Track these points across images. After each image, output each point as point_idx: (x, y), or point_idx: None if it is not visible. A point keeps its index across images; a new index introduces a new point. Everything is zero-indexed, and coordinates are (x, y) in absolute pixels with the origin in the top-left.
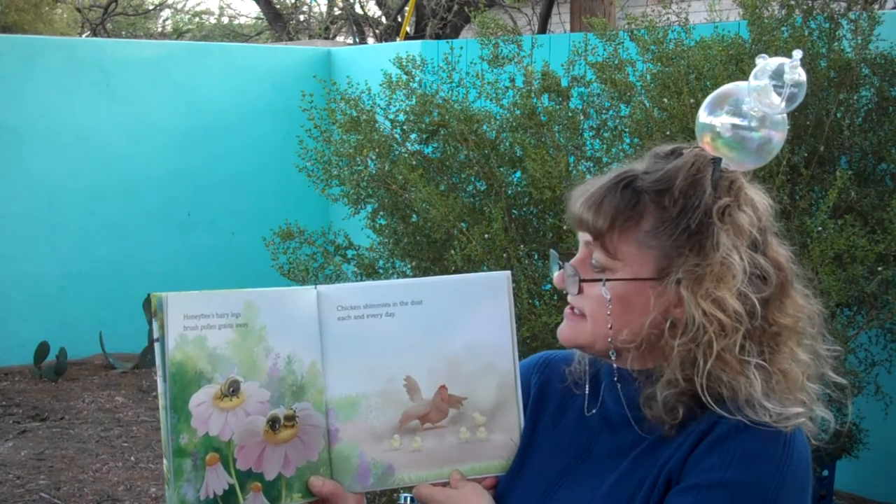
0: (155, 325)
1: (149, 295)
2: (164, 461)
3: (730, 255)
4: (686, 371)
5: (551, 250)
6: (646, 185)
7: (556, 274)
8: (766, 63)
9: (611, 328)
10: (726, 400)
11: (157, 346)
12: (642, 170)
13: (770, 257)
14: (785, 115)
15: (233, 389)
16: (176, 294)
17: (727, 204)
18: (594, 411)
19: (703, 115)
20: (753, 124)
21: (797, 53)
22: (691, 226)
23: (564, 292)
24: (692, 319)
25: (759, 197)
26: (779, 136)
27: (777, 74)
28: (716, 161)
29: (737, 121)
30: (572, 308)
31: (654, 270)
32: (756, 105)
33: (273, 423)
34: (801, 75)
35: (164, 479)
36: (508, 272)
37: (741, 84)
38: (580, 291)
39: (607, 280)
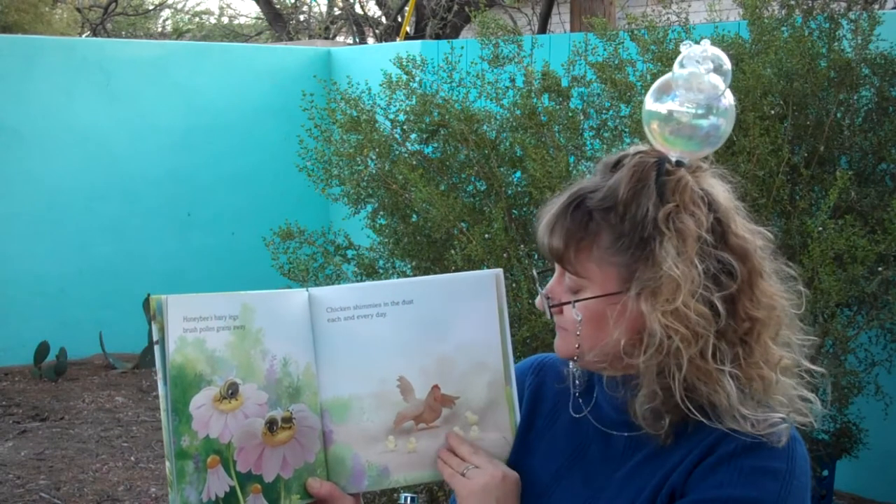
0: (154, 328)
1: (148, 295)
2: (167, 463)
3: (677, 264)
4: (663, 381)
5: (533, 272)
6: (594, 203)
7: (537, 298)
8: (689, 50)
9: (578, 347)
10: (706, 409)
11: (156, 348)
12: (593, 185)
13: (733, 246)
14: (731, 101)
15: (232, 392)
16: (175, 296)
17: (671, 210)
18: (587, 412)
19: (648, 103)
20: (700, 111)
21: (705, 42)
22: (643, 237)
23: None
24: (654, 332)
25: (716, 186)
26: (726, 123)
27: (704, 60)
28: (659, 164)
29: (683, 108)
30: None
31: (618, 285)
32: (690, 95)
33: (271, 425)
34: (725, 63)
35: (168, 482)
36: (499, 270)
37: (686, 70)
38: (557, 313)
39: (576, 301)
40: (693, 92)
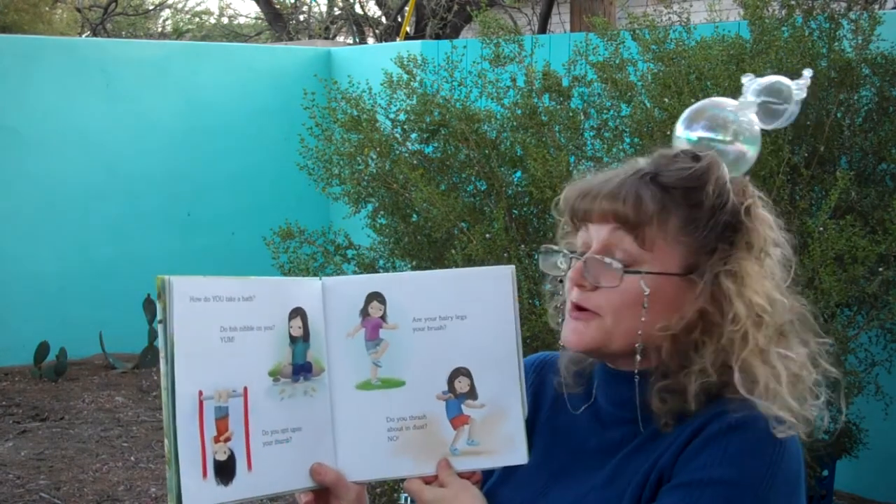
0: (158, 307)
1: (148, 295)
2: (166, 441)
3: (768, 250)
4: (717, 362)
5: (548, 247)
6: (673, 181)
7: (573, 268)
8: (769, 81)
9: (644, 321)
10: (750, 390)
11: (160, 327)
12: (652, 169)
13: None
14: (760, 130)
15: None
16: (180, 277)
17: (751, 203)
18: (584, 409)
19: (679, 129)
20: (727, 138)
21: (807, 72)
22: (721, 222)
23: (574, 287)
24: (732, 313)
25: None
26: (752, 152)
27: (772, 91)
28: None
29: (710, 135)
30: (579, 308)
31: (682, 266)
32: (750, 122)
33: None
34: (804, 93)
35: (166, 460)
36: (513, 266)
37: (717, 99)
38: (591, 291)
39: (647, 273)
40: (745, 123)
